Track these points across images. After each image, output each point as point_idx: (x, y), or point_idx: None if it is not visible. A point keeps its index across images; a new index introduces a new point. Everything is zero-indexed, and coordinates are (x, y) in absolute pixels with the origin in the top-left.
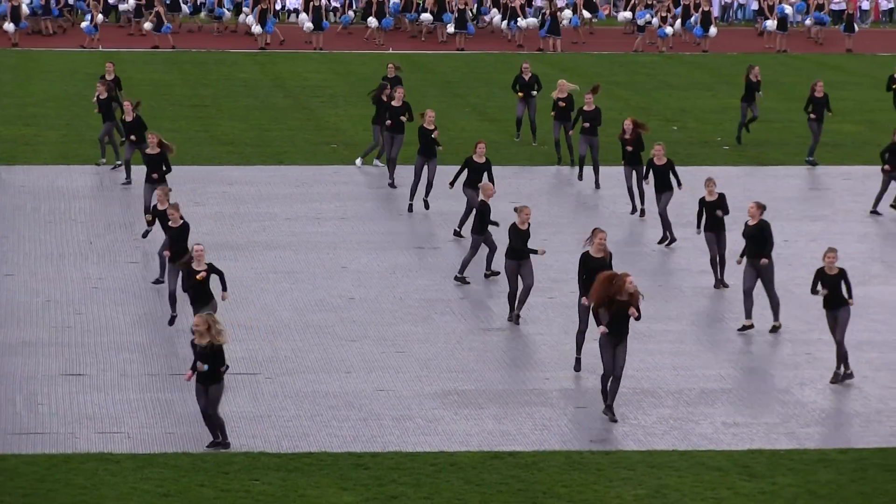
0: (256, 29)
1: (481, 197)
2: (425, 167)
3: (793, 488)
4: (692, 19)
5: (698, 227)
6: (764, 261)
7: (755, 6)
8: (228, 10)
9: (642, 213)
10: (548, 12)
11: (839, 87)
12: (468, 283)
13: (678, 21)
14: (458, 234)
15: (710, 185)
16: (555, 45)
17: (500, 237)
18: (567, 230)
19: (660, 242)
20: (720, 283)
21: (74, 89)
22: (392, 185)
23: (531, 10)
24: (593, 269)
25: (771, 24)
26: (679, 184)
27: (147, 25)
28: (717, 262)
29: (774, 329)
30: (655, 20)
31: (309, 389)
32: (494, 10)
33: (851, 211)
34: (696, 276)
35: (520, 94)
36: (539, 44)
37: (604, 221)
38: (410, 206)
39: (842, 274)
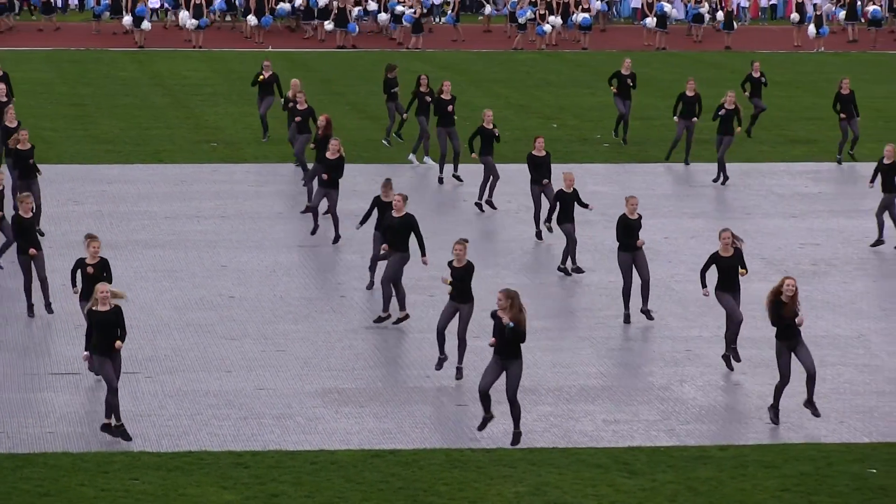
0: (145, 25)
1: (561, 187)
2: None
3: (673, 485)
4: (574, 17)
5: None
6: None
7: (635, 3)
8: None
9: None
10: (416, 11)
11: (718, 84)
12: (583, 271)
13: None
14: (549, 229)
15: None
16: (416, 43)
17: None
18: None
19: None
20: (577, 269)
21: None
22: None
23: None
24: (724, 268)
25: (651, 21)
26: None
27: None
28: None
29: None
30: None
31: (189, 388)
32: (379, 8)
33: (731, 208)
34: (574, 273)
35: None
36: (414, 42)
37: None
38: (479, 203)
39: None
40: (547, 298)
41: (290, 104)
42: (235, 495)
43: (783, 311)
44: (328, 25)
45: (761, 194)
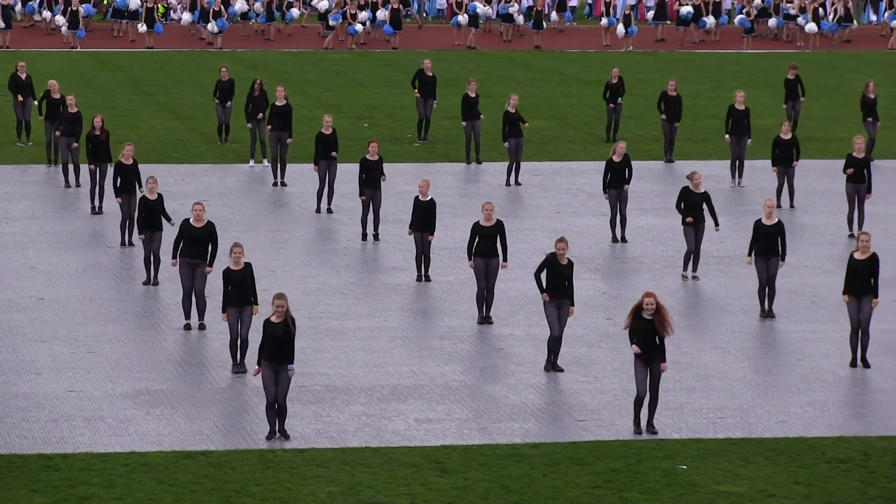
0: None
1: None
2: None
3: (485, 483)
4: (379, 14)
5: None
6: None
7: (440, 4)
8: None
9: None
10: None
11: (528, 83)
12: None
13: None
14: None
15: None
16: (214, 41)
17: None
18: (259, 228)
19: None
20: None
21: None
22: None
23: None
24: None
25: (462, 19)
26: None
27: None
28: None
29: None
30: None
31: None
32: (181, 8)
33: (541, 206)
34: (391, 273)
35: (20, 97)
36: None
37: (295, 218)
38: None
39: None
40: (363, 298)
41: (59, 106)
42: (46, 498)
43: (645, 326)
44: (141, 28)
45: (571, 193)
